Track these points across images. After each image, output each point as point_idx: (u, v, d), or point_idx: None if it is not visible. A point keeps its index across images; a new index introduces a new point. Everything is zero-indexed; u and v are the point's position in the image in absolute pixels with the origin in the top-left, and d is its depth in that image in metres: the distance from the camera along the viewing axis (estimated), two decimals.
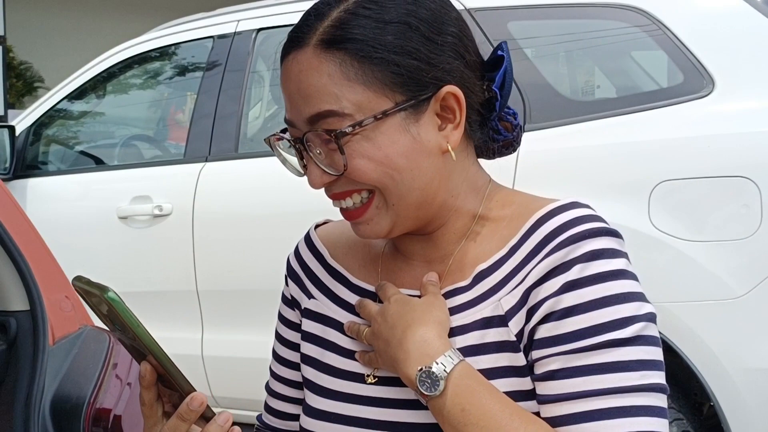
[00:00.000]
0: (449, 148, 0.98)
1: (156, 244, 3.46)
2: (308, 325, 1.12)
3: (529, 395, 0.95)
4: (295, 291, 1.16)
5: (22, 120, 3.95)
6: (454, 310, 1.00)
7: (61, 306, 1.35)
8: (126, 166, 3.88)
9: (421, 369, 0.93)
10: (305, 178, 1.01)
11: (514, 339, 0.95)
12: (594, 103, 2.94)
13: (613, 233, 0.95)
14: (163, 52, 3.90)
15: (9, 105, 13.51)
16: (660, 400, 0.91)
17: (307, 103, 0.95)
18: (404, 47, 0.95)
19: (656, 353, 0.93)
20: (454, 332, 0.98)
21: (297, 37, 0.97)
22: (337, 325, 1.09)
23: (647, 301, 0.95)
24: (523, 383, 0.95)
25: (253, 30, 3.50)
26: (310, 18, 0.98)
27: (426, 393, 0.93)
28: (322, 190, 1.01)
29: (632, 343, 0.91)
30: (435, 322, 0.96)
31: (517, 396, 0.94)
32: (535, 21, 3.04)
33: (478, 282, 1.00)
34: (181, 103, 4.08)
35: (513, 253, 0.98)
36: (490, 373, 0.95)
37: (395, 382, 1.00)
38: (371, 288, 1.08)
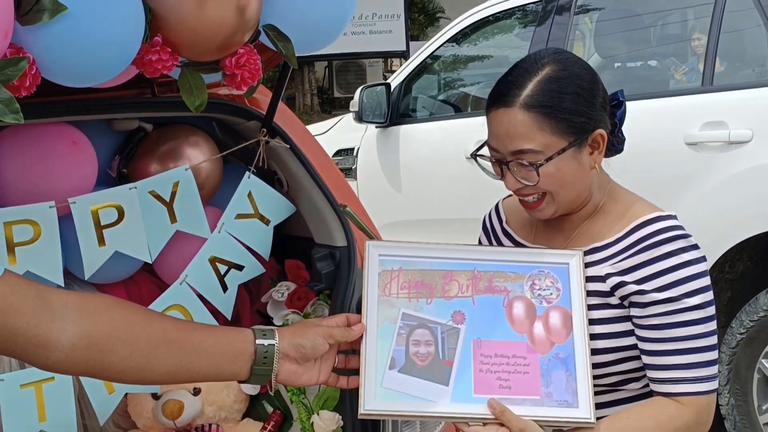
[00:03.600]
0: (596, 165, 1.59)
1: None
2: None
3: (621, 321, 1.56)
4: (483, 240, 1.81)
5: (396, 77, 4.87)
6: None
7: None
8: (476, 114, 4.64)
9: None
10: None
11: (609, 290, 1.57)
12: None
13: (692, 245, 1.53)
14: (506, 14, 4.56)
15: (413, 37, 14.64)
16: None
17: (511, 142, 1.54)
18: (576, 110, 1.53)
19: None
20: None
21: (503, 100, 1.54)
22: None
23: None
24: (615, 314, 1.57)
25: None
26: (512, 87, 1.54)
27: None
28: None
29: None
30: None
31: (612, 321, 1.55)
32: None
33: (589, 253, 1.60)
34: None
35: (619, 242, 1.58)
36: (593, 307, 1.55)
37: None
38: (524, 242, 1.70)
